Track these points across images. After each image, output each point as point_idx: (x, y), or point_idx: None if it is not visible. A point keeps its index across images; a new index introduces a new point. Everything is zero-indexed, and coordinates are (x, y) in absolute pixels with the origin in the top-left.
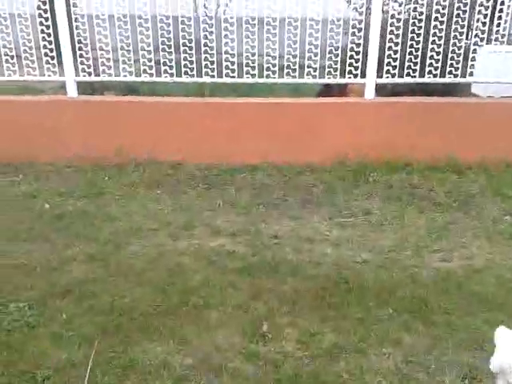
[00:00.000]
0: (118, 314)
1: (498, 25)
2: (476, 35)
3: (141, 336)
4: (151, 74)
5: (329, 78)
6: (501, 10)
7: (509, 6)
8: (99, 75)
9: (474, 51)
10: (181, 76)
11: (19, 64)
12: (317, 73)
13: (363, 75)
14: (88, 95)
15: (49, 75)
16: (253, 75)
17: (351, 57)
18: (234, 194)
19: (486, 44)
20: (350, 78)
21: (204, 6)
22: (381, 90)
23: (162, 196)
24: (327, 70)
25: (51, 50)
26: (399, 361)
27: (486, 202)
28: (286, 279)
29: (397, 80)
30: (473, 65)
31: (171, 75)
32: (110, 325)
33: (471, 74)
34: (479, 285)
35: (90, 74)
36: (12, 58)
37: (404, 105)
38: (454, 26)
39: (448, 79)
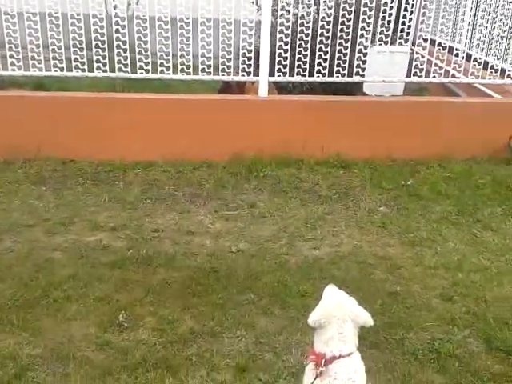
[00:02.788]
0: None
1: (382, 26)
2: (362, 35)
3: None
4: (61, 69)
5: (223, 75)
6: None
7: (391, 7)
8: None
9: (360, 51)
10: (92, 71)
11: None
12: (211, 70)
13: (257, 74)
14: None
15: None
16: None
17: (244, 55)
18: (122, 189)
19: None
20: (243, 75)
21: (114, 7)
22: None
23: (46, 192)
24: (221, 67)
25: None
26: (250, 342)
27: (365, 195)
28: (157, 270)
29: (288, 78)
30: (359, 64)
31: (82, 70)
32: None
33: (360, 74)
34: (340, 270)
35: None
36: None
37: (297, 103)
38: (340, 27)
39: (336, 78)
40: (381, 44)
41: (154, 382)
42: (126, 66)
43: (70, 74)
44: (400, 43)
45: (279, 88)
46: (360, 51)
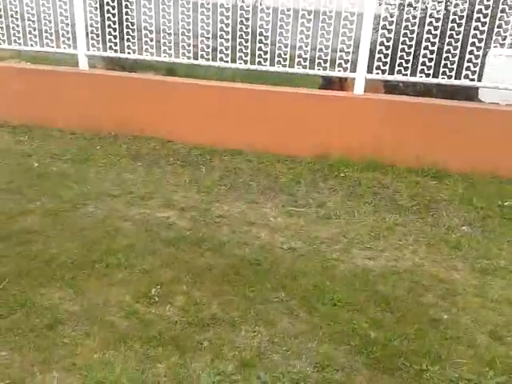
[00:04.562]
0: (39, 261)
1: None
2: (475, 36)
3: (47, 282)
4: (188, 57)
5: (318, 69)
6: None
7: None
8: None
9: (472, 53)
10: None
11: None
12: (307, 63)
13: (354, 70)
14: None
15: None
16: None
17: (342, 50)
18: (203, 173)
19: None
20: (339, 71)
21: None
22: (392, 88)
23: (140, 168)
24: (317, 61)
25: None
26: (265, 340)
27: (450, 210)
28: (205, 254)
29: (386, 77)
30: (469, 67)
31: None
32: (26, 268)
33: (469, 78)
34: (387, 286)
35: None
36: None
37: (395, 103)
38: (450, 25)
39: (442, 80)
40: (500, 46)
41: (161, 357)
42: (245, 55)
43: (196, 61)
44: None
45: (389, 87)
46: (471, 52)
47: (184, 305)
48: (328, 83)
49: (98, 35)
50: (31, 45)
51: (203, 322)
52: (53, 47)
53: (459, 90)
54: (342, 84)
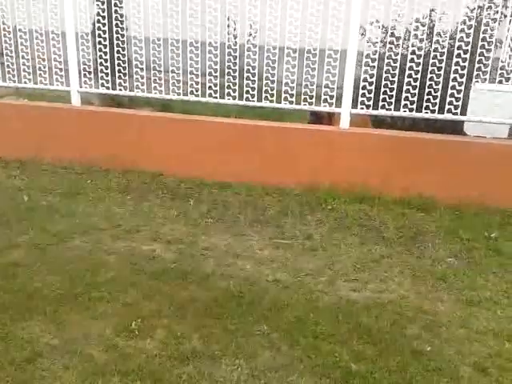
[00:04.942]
0: (22, 294)
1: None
2: (456, 71)
3: (28, 316)
4: (179, 93)
5: (304, 104)
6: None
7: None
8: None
9: (454, 87)
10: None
11: None
12: (293, 99)
13: (340, 105)
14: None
15: None
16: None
17: (326, 86)
18: (192, 206)
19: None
20: (325, 106)
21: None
22: (380, 123)
23: (129, 201)
24: (303, 97)
25: None
26: (244, 373)
27: (436, 242)
28: (189, 286)
29: (371, 111)
30: (451, 101)
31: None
32: (8, 301)
33: (452, 112)
34: (370, 318)
35: None
36: None
37: (380, 137)
38: (431, 61)
39: (425, 114)
40: (482, 81)
41: None
42: (234, 91)
43: (185, 97)
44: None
45: (377, 122)
46: (454, 87)
47: (164, 338)
48: (317, 118)
49: (90, 72)
50: (25, 82)
51: (183, 355)
52: (46, 84)
53: (446, 124)
54: (330, 119)
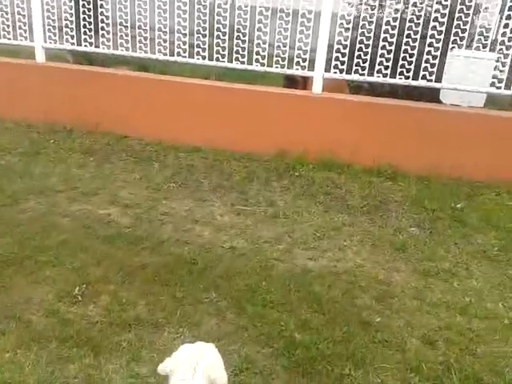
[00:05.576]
0: None
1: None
2: (433, 36)
3: None
4: (164, 53)
5: (276, 67)
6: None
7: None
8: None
9: (429, 53)
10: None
11: None
12: (265, 61)
13: (313, 69)
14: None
15: None
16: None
17: (299, 48)
18: (156, 170)
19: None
20: (297, 69)
21: None
22: (357, 89)
23: (91, 163)
24: (275, 59)
25: None
26: (186, 342)
27: (400, 211)
28: (141, 252)
29: (344, 76)
30: (426, 67)
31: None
32: None
33: (427, 79)
34: (323, 286)
35: None
36: None
37: (353, 103)
38: (408, 25)
39: (399, 81)
40: (459, 47)
41: (75, 358)
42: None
43: (171, 58)
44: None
45: (354, 88)
46: (429, 53)
47: (108, 305)
48: (291, 82)
49: (54, 27)
50: None
51: (125, 322)
52: (10, 39)
53: (425, 91)
54: (305, 83)
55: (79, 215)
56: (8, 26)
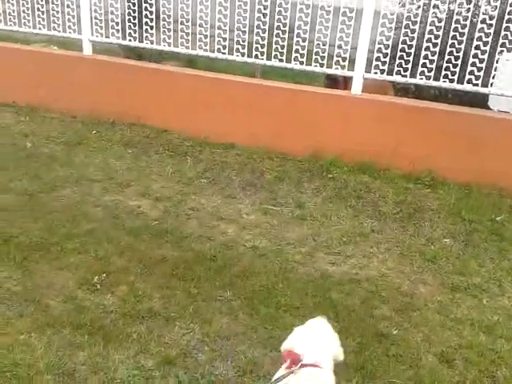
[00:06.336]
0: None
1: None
2: (480, 38)
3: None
4: (205, 50)
5: (315, 66)
6: None
7: None
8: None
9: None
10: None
11: None
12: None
13: (353, 68)
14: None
15: None
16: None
17: (339, 47)
18: (189, 165)
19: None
20: (337, 68)
21: None
22: (404, 92)
23: (128, 155)
24: (314, 57)
25: None
26: (195, 338)
27: (435, 221)
28: (164, 245)
29: (386, 77)
30: (472, 71)
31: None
32: None
33: (472, 83)
34: (342, 293)
35: None
36: None
37: (393, 105)
38: (453, 26)
39: (443, 84)
40: (510, 51)
41: (85, 345)
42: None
43: (212, 54)
44: None
45: (400, 90)
46: (476, 56)
47: (125, 295)
48: (333, 82)
49: (101, 21)
50: (39, 28)
51: (139, 314)
52: (59, 31)
53: (474, 97)
54: (346, 84)
55: (110, 205)
56: (58, 18)
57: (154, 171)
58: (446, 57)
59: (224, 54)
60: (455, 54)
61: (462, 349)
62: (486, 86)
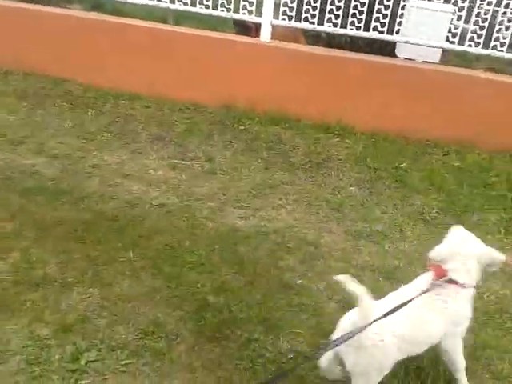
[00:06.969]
0: None
1: None
2: None
3: None
4: None
5: (222, 10)
6: None
7: None
8: None
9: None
10: None
11: None
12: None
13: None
14: None
15: None
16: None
17: None
18: (91, 118)
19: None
20: (244, 14)
21: None
22: (315, 40)
23: (23, 109)
24: (220, 1)
25: None
26: (95, 303)
27: (342, 169)
28: (61, 207)
29: (293, 23)
30: (378, 18)
31: None
32: None
33: (378, 30)
34: (248, 247)
35: None
36: None
37: (302, 54)
38: None
39: (350, 31)
40: None
41: None
42: None
43: None
44: None
45: (312, 38)
46: (381, 3)
47: (18, 262)
48: (244, 29)
49: None
50: None
51: (33, 281)
52: None
53: (386, 44)
54: (258, 31)
55: (1, 165)
56: None
57: (51, 126)
58: (353, 3)
59: None
60: (361, 0)
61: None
62: (393, 34)
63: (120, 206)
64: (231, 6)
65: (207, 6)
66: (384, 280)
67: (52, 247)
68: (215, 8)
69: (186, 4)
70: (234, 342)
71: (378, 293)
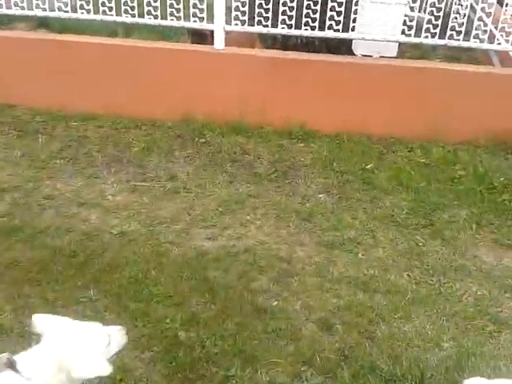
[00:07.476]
0: None
1: None
2: None
3: None
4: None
5: (171, 19)
6: None
7: None
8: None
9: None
10: None
11: None
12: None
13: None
14: None
15: None
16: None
17: None
18: (41, 144)
19: None
20: (195, 21)
21: None
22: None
23: None
24: (169, 10)
25: None
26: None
27: (309, 176)
28: (14, 246)
29: (247, 28)
30: (332, 16)
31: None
32: None
33: (333, 29)
34: (218, 271)
35: None
36: None
37: (258, 59)
38: None
39: (305, 32)
40: None
41: None
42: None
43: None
44: None
45: (267, 41)
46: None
47: None
48: (200, 38)
49: None
50: None
51: None
52: None
53: (343, 42)
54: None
55: None
56: None
57: None
58: (305, 3)
59: (67, 12)
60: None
61: (341, 311)
62: (348, 31)
63: (78, 238)
64: (181, 14)
65: (156, 17)
66: (361, 292)
67: (6, 292)
68: (164, 18)
69: (133, 16)
70: (210, 382)
71: (354, 309)
